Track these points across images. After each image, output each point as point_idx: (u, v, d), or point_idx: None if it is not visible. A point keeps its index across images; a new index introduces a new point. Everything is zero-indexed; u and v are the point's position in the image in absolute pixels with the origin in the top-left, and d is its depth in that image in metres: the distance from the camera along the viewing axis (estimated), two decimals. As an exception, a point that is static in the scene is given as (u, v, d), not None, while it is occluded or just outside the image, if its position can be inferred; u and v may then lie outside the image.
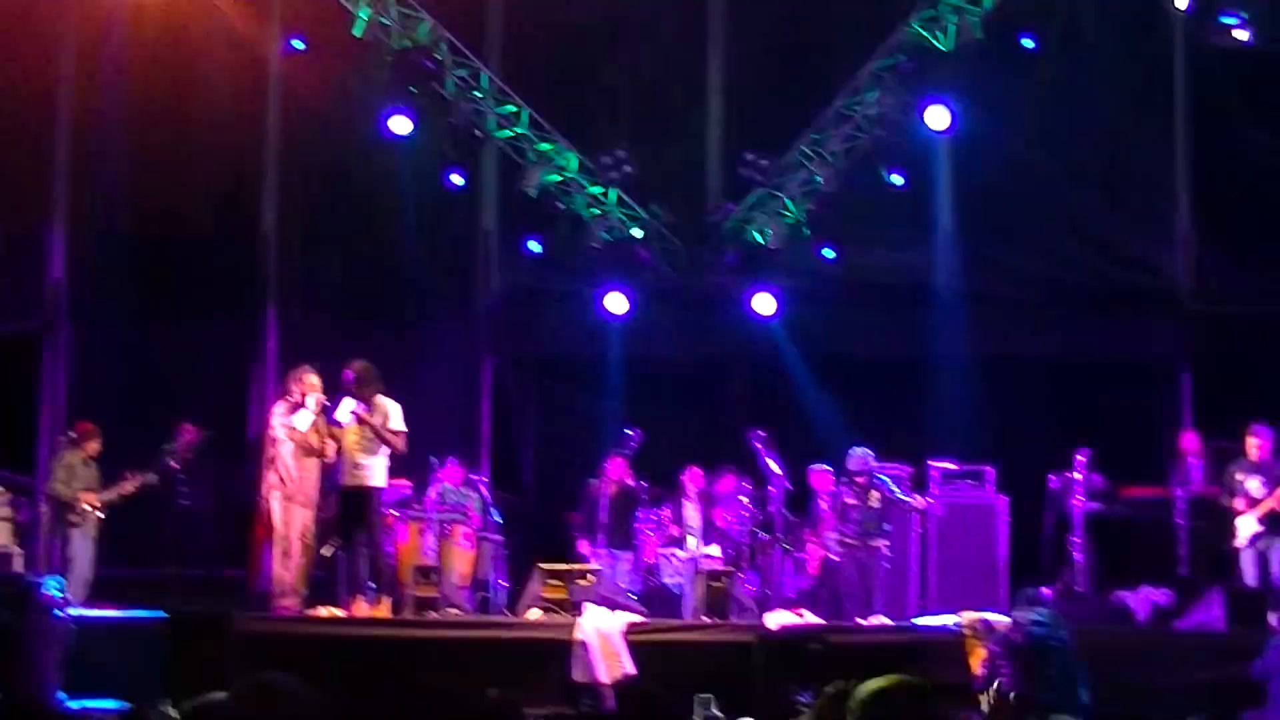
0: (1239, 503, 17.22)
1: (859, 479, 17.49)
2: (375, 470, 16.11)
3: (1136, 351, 21.36)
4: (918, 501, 18.12)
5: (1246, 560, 17.18)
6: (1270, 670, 13.52)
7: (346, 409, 15.98)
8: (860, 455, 17.59)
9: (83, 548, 17.14)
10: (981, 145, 20.92)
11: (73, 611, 14.70)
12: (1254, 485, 17.23)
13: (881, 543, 17.51)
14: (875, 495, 17.51)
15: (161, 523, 18.65)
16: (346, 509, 16.20)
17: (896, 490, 17.78)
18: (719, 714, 12.58)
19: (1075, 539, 17.70)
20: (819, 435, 19.81)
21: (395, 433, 16.02)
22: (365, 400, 16.06)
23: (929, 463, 18.88)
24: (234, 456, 19.37)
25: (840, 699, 6.47)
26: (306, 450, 16.10)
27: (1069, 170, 21.38)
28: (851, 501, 17.52)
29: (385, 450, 16.12)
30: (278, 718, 6.13)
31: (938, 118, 20.26)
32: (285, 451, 15.99)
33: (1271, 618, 15.75)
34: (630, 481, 18.54)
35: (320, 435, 16.16)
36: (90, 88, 21.72)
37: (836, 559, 17.59)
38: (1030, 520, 18.40)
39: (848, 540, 17.42)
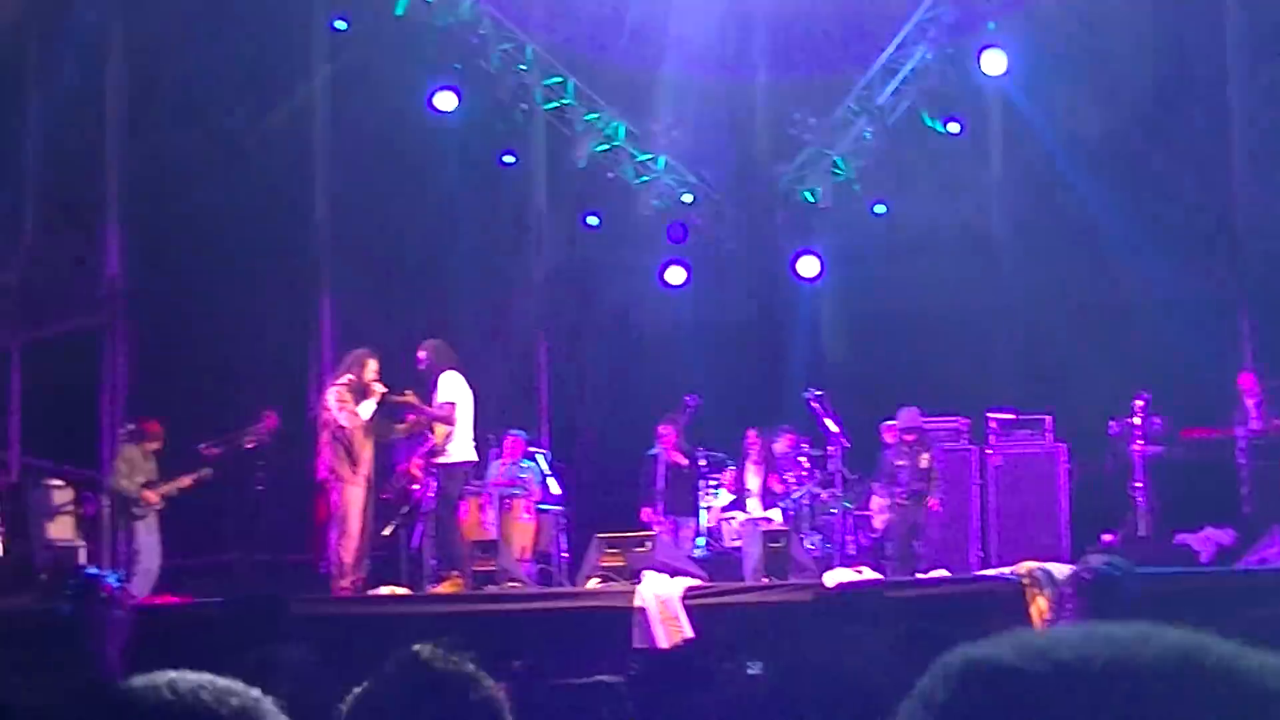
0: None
1: (907, 437, 17.41)
2: (450, 447, 16.17)
3: (1193, 292, 21.03)
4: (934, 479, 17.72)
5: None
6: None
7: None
8: (908, 414, 17.51)
9: (147, 540, 17.30)
10: (1031, 92, 20.74)
11: (136, 602, 14.88)
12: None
13: (933, 501, 17.37)
14: (925, 456, 17.39)
15: (228, 510, 18.86)
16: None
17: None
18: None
19: (1137, 483, 17.54)
20: (877, 393, 19.67)
21: (443, 406, 16.04)
22: (436, 377, 16.11)
23: (987, 413, 18.75)
24: (296, 442, 19.49)
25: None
26: (366, 434, 16.12)
27: (1121, 114, 21.08)
28: (901, 462, 17.43)
29: (465, 425, 16.16)
30: (277, 691, 6.16)
31: (994, 63, 20.05)
32: (343, 435, 16.00)
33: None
34: (684, 448, 18.52)
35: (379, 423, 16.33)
36: (137, 83, 21.87)
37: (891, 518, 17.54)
38: (1091, 467, 18.29)
39: (899, 501, 17.34)
